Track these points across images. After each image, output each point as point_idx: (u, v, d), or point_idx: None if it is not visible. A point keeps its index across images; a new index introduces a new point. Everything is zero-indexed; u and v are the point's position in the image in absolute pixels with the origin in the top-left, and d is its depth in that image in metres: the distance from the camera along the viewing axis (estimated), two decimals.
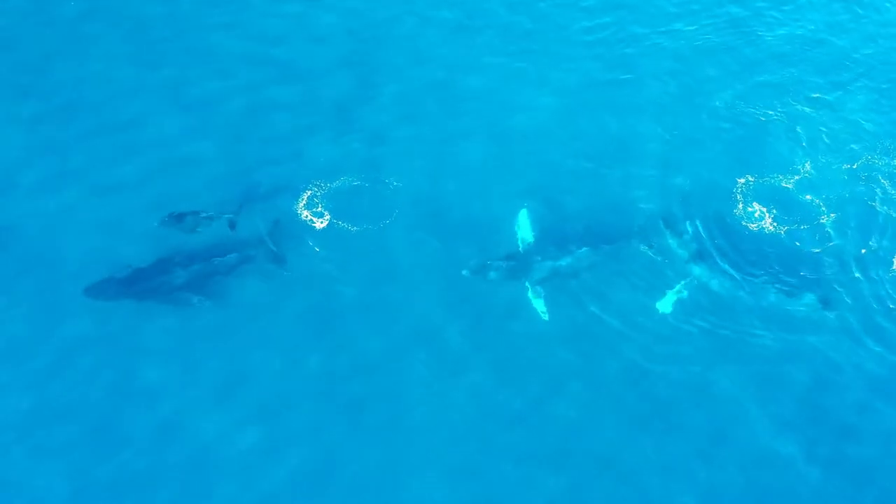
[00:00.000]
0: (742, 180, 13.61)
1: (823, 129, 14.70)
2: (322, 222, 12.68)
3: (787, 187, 13.62)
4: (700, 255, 12.44)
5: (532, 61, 15.92)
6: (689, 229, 12.83)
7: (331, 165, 13.60)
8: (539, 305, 11.89)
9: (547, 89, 15.38)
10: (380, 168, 13.67)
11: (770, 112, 14.98)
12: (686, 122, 14.82)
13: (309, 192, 13.07)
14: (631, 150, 14.35)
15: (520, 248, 12.50)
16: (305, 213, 12.84)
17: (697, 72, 15.86)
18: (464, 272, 11.97)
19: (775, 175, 13.78)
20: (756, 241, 12.83)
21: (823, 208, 13.37)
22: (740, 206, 13.24)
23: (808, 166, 13.98)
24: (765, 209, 13.21)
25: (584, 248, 12.33)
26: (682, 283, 12.26)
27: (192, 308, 11.72)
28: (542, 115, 14.90)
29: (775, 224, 13.01)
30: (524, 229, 12.74)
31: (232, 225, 12.49)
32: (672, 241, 12.66)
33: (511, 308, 12.04)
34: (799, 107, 15.13)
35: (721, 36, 16.63)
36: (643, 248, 12.56)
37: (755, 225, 12.98)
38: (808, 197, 13.49)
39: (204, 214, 12.40)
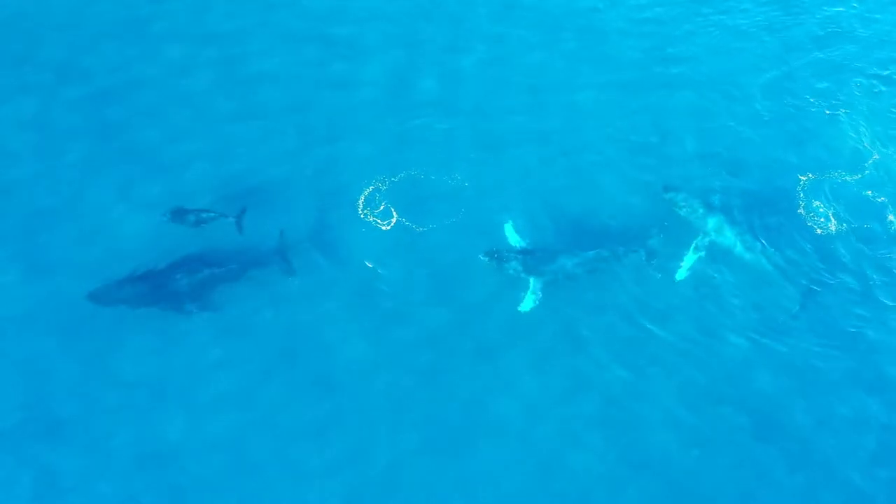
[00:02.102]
0: (804, 177, 13.47)
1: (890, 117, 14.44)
2: (388, 223, 12.61)
3: (850, 182, 13.47)
4: (767, 258, 12.45)
5: (579, 43, 15.58)
6: (749, 231, 12.73)
7: (391, 159, 13.44)
8: (530, 301, 11.82)
9: (591, 75, 15.08)
10: (436, 161, 13.52)
11: (831, 101, 14.69)
12: (741, 114, 14.55)
13: (371, 188, 13.01)
14: (679, 142, 14.12)
15: (547, 243, 12.47)
16: (365, 211, 12.74)
17: (748, 59, 15.48)
18: (481, 257, 11.99)
19: (839, 171, 13.60)
20: (820, 241, 12.74)
21: (890, 206, 13.22)
22: (802, 204, 13.13)
23: (874, 159, 13.76)
24: (827, 206, 13.10)
25: (608, 248, 12.32)
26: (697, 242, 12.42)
27: (188, 318, 11.43)
28: (583, 102, 14.64)
29: (836, 223, 12.91)
30: (542, 224, 12.77)
31: (239, 226, 12.14)
32: (726, 238, 12.58)
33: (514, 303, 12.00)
34: (861, 95, 14.80)
35: (774, 18, 16.19)
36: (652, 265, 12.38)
37: (821, 230, 12.85)
38: (869, 192, 13.35)
39: (209, 213, 12.14)
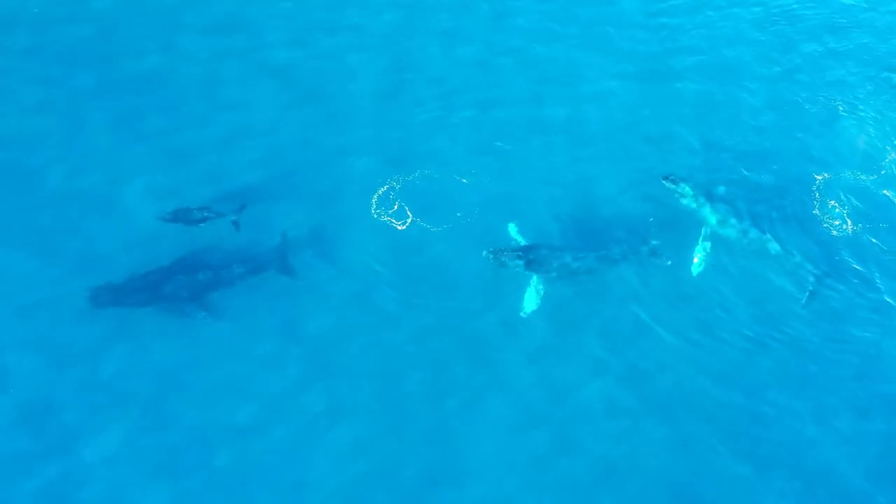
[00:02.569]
0: (820, 177, 13.40)
1: None
2: (403, 223, 12.45)
3: (866, 182, 13.38)
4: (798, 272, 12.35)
5: (589, 34, 15.46)
6: (756, 226, 12.63)
7: (403, 157, 13.26)
8: (533, 298, 11.65)
9: (601, 67, 14.97)
10: (447, 159, 13.35)
11: (845, 97, 14.62)
12: (753, 109, 14.44)
13: (385, 188, 12.84)
14: (689, 137, 14.00)
15: (554, 241, 12.36)
16: (377, 211, 12.53)
17: (761, 52, 15.36)
18: (484, 254, 11.81)
19: (854, 170, 13.50)
20: (834, 242, 12.65)
21: None
22: (817, 205, 13.03)
23: (891, 158, 13.66)
24: (842, 206, 13.01)
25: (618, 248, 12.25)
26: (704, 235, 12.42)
27: (192, 323, 11.19)
28: (593, 95, 14.54)
29: (850, 222, 12.82)
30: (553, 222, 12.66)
31: (236, 225, 11.94)
32: (731, 231, 12.51)
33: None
34: (875, 90, 14.72)
35: (787, 10, 16.07)
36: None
37: (836, 231, 12.77)
38: (887, 192, 13.26)
39: (209, 212, 11.90)
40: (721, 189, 12.95)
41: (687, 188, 12.75)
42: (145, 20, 14.77)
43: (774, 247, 12.32)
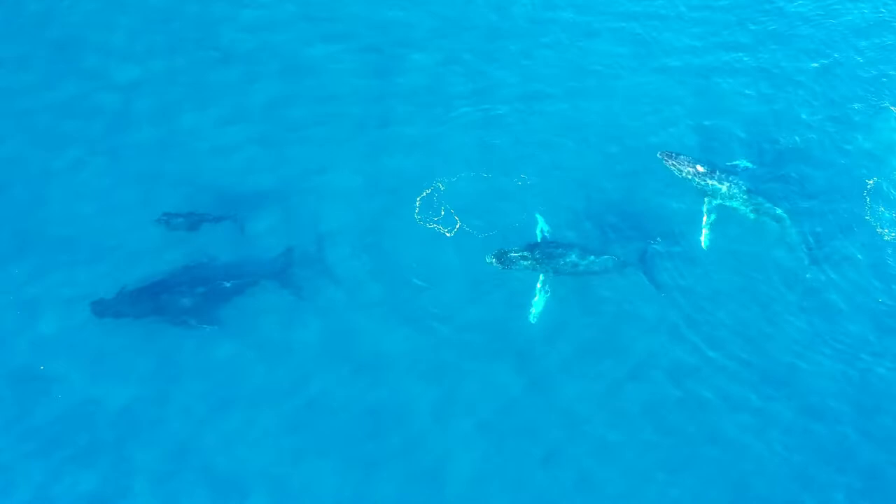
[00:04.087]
0: (871, 181, 13.15)
1: None
2: (451, 230, 12.09)
3: None
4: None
5: (631, 28, 15.11)
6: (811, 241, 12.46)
7: (451, 157, 12.89)
8: (539, 303, 11.42)
9: (643, 62, 14.64)
10: (490, 159, 13.02)
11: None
12: (798, 106, 14.15)
13: (429, 189, 12.46)
14: (728, 132, 13.74)
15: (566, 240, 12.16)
16: (419, 216, 12.18)
17: (806, 46, 15.00)
18: (487, 258, 11.50)
19: None
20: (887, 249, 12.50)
21: None
22: (869, 211, 12.80)
23: None
24: (892, 212, 12.83)
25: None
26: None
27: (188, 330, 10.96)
28: (634, 89, 14.27)
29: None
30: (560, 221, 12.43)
31: (240, 227, 11.69)
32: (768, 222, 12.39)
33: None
34: None
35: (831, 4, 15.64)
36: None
37: (889, 237, 12.58)
38: None
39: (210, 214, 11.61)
40: (736, 165, 12.89)
41: (686, 163, 12.62)
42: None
43: (781, 214, 12.30)
